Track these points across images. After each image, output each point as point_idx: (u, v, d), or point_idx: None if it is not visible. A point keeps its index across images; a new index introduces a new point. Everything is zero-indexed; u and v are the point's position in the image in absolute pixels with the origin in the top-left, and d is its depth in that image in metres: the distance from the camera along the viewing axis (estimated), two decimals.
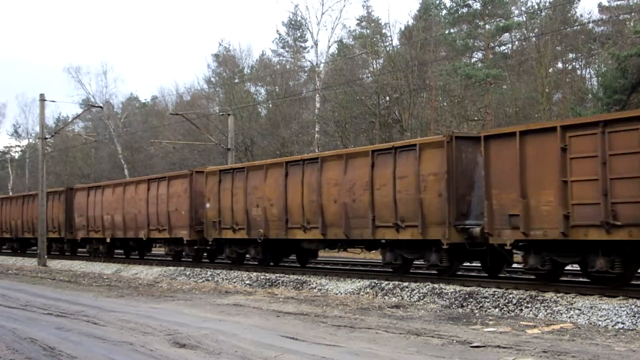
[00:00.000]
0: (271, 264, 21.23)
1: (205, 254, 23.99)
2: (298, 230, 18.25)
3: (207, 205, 21.55)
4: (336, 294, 15.33)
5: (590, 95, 36.75)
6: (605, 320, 10.62)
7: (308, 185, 17.89)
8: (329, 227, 17.36)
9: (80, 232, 29.82)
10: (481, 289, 13.65)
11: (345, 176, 16.78)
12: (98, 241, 29.05)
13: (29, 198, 35.20)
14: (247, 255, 21.59)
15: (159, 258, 28.25)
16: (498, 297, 12.69)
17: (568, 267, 14.78)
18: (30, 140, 77.19)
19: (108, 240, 27.76)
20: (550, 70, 37.60)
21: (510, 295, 12.64)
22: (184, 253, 24.15)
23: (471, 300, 12.92)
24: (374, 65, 45.88)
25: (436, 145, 14.89)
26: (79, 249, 32.67)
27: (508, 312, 12.03)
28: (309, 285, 16.85)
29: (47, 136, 34.27)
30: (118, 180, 31.95)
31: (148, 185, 24.95)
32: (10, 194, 43.34)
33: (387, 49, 42.90)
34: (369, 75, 43.27)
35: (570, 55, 42.07)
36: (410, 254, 16.12)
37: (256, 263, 21.18)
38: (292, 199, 18.35)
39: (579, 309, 11.23)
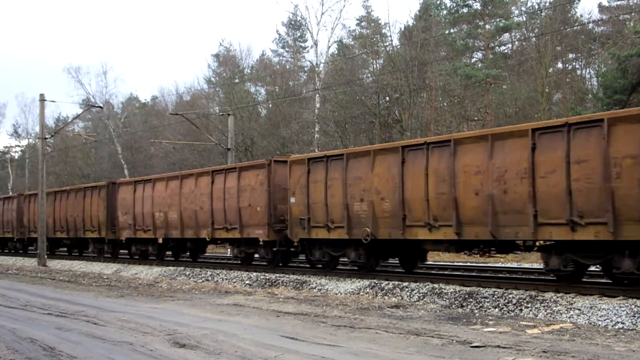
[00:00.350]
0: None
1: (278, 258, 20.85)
2: (420, 229, 15.08)
3: (292, 200, 18.40)
4: (336, 294, 15.33)
5: (590, 95, 36.77)
6: (605, 320, 10.62)
7: (435, 173, 14.71)
8: (466, 225, 14.22)
9: (124, 232, 26.55)
10: (481, 289, 13.65)
11: (490, 162, 13.65)
12: (146, 242, 25.80)
13: (62, 194, 31.94)
14: (345, 259, 18.20)
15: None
16: (498, 297, 12.69)
17: None
18: (30, 140, 77.26)
19: (160, 240, 24.65)
20: (550, 70, 37.61)
21: (510, 295, 12.64)
22: (256, 255, 21.34)
23: (471, 300, 12.92)
24: (374, 65, 45.92)
25: (635, 119, 11.67)
26: (121, 251, 29.07)
27: (508, 312, 12.03)
28: (309, 285, 16.85)
29: (47, 136, 34.26)
30: (173, 173, 27.61)
31: (212, 178, 21.61)
32: (27, 191, 40.52)
33: (387, 49, 42.92)
34: (369, 75, 43.29)
35: (570, 55, 42.07)
36: (589, 258, 12.92)
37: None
38: (412, 191, 15.17)
39: (579, 309, 11.24)
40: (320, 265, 19.02)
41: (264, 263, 20.95)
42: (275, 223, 19.25)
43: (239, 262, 21.88)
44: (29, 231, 34.31)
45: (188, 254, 26.59)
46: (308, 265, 20.43)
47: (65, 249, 35.09)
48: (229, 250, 21.80)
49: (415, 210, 15.12)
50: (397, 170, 15.52)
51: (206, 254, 28.29)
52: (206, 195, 21.73)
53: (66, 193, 31.29)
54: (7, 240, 38.19)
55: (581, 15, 42.70)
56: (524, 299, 12.28)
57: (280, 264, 20.80)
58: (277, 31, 67.43)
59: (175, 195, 23.36)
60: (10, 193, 63.43)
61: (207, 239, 21.95)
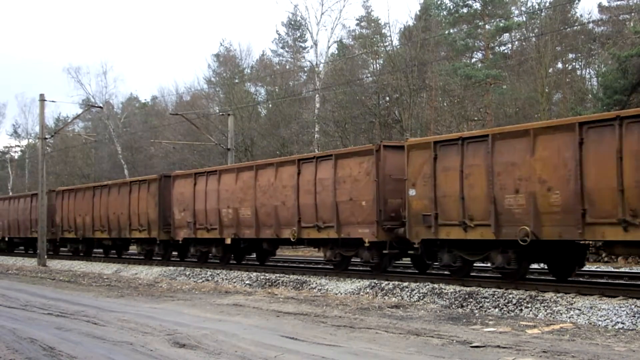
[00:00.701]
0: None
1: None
2: (609, 228, 11.91)
3: (411, 192, 15.17)
4: (336, 294, 15.33)
5: (590, 95, 36.79)
6: (605, 320, 10.62)
7: (635, 156, 11.52)
8: None
9: (181, 231, 23.02)
10: (481, 289, 13.65)
11: None
12: (209, 242, 22.46)
13: (102, 190, 28.42)
14: (482, 264, 15.64)
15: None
16: (498, 297, 12.69)
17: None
18: (30, 140, 77.35)
19: (228, 241, 21.15)
20: (550, 70, 37.62)
21: (510, 295, 12.64)
22: (361, 259, 17.33)
23: (471, 300, 12.92)
24: (374, 66, 45.95)
25: None
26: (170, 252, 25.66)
27: (508, 312, 12.03)
28: (309, 285, 16.85)
29: (47, 136, 34.25)
30: (246, 163, 24.23)
31: (298, 168, 18.29)
32: (60, 187, 36.64)
33: (387, 49, 42.94)
34: (369, 75, 43.31)
35: (570, 55, 42.12)
36: None
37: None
38: (596, 179, 11.97)
39: (579, 309, 11.24)
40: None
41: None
42: (386, 221, 16.00)
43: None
44: (62, 231, 31.13)
45: (255, 256, 23.64)
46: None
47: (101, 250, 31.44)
48: (326, 252, 18.11)
49: (601, 203, 11.97)
50: (572, 154, 12.33)
51: (277, 256, 25.10)
52: (290, 189, 18.46)
53: (107, 188, 27.95)
54: (34, 241, 34.42)
55: (581, 15, 42.83)
56: (524, 299, 12.28)
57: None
58: (277, 31, 67.54)
59: (248, 188, 20.04)
60: (10, 193, 63.39)
61: (292, 239, 18.51)
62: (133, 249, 31.09)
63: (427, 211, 14.77)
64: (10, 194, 60.10)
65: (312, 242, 19.05)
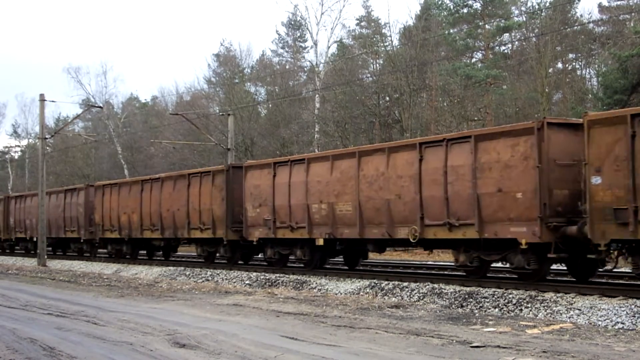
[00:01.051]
0: None
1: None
2: None
3: (595, 180, 12.14)
4: (336, 294, 15.33)
5: (590, 95, 36.79)
6: (605, 320, 10.62)
7: None
8: None
9: (256, 231, 19.99)
10: (481, 289, 13.65)
11: None
12: (293, 243, 19.28)
13: (153, 184, 25.05)
14: None
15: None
16: (498, 297, 12.70)
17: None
18: (30, 140, 77.38)
19: (320, 242, 17.98)
20: (550, 70, 37.63)
21: (510, 295, 12.65)
22: (510, 265, 14.09)
23: (471, 300, 12.93)
24: (374, 66, 45.95)
25: None
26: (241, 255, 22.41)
27: (508, 312, 12.04)
28: (309, 285, 16.85)
29: (47, 136, 34.26)
30: (344, 150, 20.28)
31: (420, 153, 15.21)
32: (99, 182, 33.04)
33: (387, 49, 42.95)
34: (369, 75, 43.32)
35: (570, 55, 42.12)
36: None
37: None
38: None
39: (579, 309, 11.24)
40: None
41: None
42: (550, 217, 12.97)
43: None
44: (103, 230, 28.10)
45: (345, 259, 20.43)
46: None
47: (144, 251, 28.56)
48: (459, 256, 15.04)
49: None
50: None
51: (369, 260, 22.05)
52: (408, 179, 15.49)
53: (159, 182, 24.70)
54: (69, 241, 32.46)
55: (581, 15, 42.82)
56: (524, 299, 12.28)
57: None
58: (277, 31, 67.55)
59: (348, 179, 17.03)
60: (10, 193, 63.40)
61: (412, 240, 15.38)
62: (182, 250, 29.35)
63: (621, 204, 11.67)
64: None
65: (439, 243, 16.05)
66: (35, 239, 33.13)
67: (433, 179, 14.92)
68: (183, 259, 27.91)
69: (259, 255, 23.05)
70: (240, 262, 22.62)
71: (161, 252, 28.01)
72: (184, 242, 25.50)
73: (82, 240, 30.04)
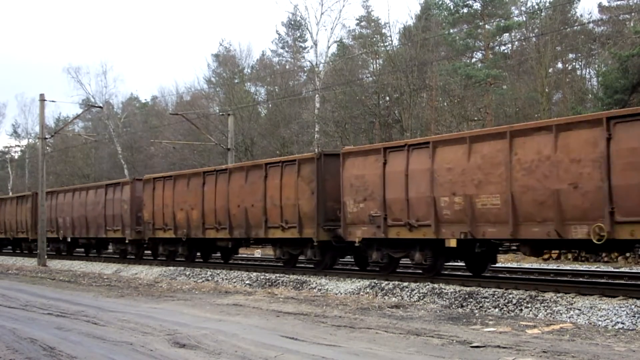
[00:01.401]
0: None
1: None
2: None
3: None
4: (336, 294, 15.33)
5: (590, 95, 36.80)
6: (605, 320, 10.62)
7: None
8: None
9: (358, 230, 16.69)
10: (481, 289, 13.66)
11: None
12: (409, 245, 15.91)
13: (218, 176, 21.68)
14: None
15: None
16: (498, 297, 12.70)
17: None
18: (30, 140, 77.40)
19: (453, 243, 14.69)
20: (550, 70, 37.65)
21: (510, 295, 12.65)
22: None
23: (471, 300, 12.93)
24: (374, 66, 45.93)
25: None
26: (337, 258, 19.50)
27: (508, 312, 12.03)
28: (309, 285, 16.85)
29: (47, 136, 34.25)
30: (488, 130, 16.13)
31: (608, 131, 11.72)
32: (148, 175, 28.81)
33: (387, 49, 42.95)
34: (369, 75, 43.31)
35: (570, 55, 42.15)
36: None
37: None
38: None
39: (579, 309, 11.24)
40: None
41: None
42: None
43: None
44: (154, 229, 24.60)
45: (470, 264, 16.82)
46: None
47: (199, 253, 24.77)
48: None
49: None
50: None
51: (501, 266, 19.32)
52: (589, 163, 12.05)
53: (226, 173, 21.34)
54: (109, 241, 29.90)
55: (581, 15, 42.88)
56: (524, 299, 12.28)
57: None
58: (276, 31, 67.68)
59: (494, 166, 13.63)
60: (10, 193, 63.32)
61: (595, 241, 11.86)
62: (243, 252, 26.50)
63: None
64: (9, 194, 60.04)
65: (574, 244, 13.70)
66: (69, 240, 31.51)
67: (629, 162, 11.54)
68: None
69: (348, 258, 20.37)
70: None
71: (220, 254, 25.19)
72: (252, 243, 22.79)
73: (127, 241, 26.83)
